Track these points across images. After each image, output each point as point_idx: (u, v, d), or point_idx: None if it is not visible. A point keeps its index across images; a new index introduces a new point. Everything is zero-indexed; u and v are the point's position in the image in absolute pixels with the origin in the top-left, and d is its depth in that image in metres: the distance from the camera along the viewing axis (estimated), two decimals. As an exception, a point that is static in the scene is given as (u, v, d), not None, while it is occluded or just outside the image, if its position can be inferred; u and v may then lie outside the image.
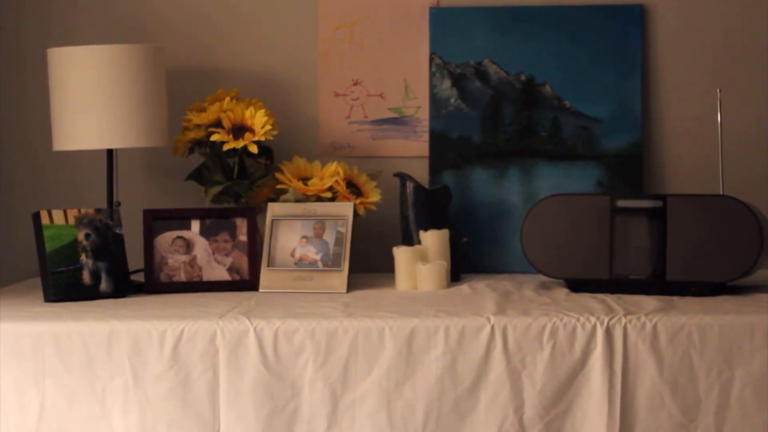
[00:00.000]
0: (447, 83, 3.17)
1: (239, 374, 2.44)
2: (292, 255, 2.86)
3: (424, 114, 3.19)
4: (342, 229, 2.86)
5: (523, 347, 2.43)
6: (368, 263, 3.06)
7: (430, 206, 3.00)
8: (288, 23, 3.21)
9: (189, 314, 2.52)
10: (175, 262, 2.87)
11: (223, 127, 2.95)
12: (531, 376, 2.42)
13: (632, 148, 3.13)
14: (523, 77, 3.16)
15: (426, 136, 3.19)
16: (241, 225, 2.89)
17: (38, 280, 2.80)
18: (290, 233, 2.88)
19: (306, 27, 3.21)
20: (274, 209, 2.91)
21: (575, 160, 3.14)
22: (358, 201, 2.96)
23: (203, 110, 3.00)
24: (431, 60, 3.17)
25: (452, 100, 3.17)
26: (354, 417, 2.43)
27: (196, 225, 2.89)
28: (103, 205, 2.96)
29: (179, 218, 2.89)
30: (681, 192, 3.10)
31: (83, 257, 2.76)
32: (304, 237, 2.87)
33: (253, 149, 2.93)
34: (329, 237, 2.86)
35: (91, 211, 2.81)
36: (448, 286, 2.85)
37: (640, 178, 3.12)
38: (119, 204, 2.94)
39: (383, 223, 3.07)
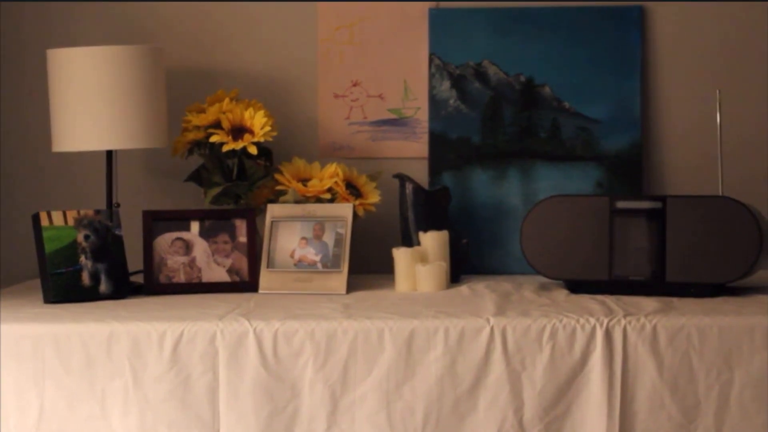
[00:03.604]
0: (446, 84, 3.17)
1: (239, 375, 2.44)
2: (292, 256, 2.86)
3: (423, 115, 3.19)
4: (341, 231, 2.86)
5: (523, 348, 2.43)
6: (368, 264, 3.05)
7: (430, 207, 3.00)
8: (287, 24, 3.21)
9: (188, 315, 2.52)
10: (174, 264, 2.86)
11: (222, 128, 2.95)
12: (530, 378, 2.42)
13: (632, 148, 3.13)
14: (522, 78, 3.16)
15: (425, 137, 3.19)
16: (241, 226, 2.89)
17: (38, 282, 2.80)
18: (290, 234, 2.88)
19: (305, 28, 3.21)
20: (273, 210, 2.91)
21: (575, 161, 3.14)
22: (357, 202, 2.96)
23: (202, 111, 3.00)
24: (431, 61, 3.18)
25: (452, 101, 3.17)
26: (354, 418, 2.43)
27: (195, 226, 2.89)
28: (103, 206, 2.96)
29: (178, 219, 2.89)
30: (680, 193, 3.10)
31: (83, 258, 2.76)
32: (303, 238, 2.87)
33: (253, 150, 2.92)
34: (329, 238, 2.86)
35: (90, 212, 2.81)
36: (448, 287, 2.85)
37: (640, 179, 3.12)
38: (119, 205, 2.94)
39: (383, 224, 3.07)
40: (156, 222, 2.87)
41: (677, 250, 2.67)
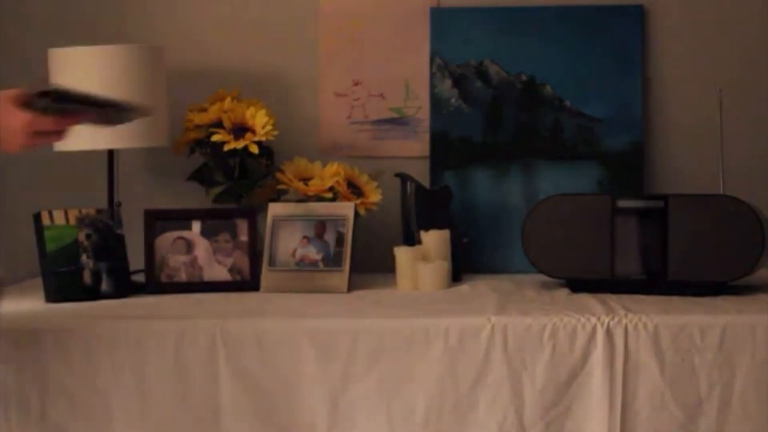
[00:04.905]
0: (448, 83, 3.17)
1: (240, 374, 2.44)
2: (293, 255, 2.86)
3: (424, 114, 3.19)
4: (343, 230, 2.86)
5: (524, 347, 2.43)
6: (369, 263, 3.05)
7: (431, 206, 3.00)
8: (289, 23, 3.21)
9: (190, 315, 2.52)
10: (176, 263, 2.86)
11: (224, 128, 2.95)
12: (531, 377, 2.42)
13: (633, 147, 3.13)
14: (523, 77, 3.16)
15: (427, 137, 3.19)
16: (242, 225, 2.89)
17: (39, 281, 2.79)
18: (291, 233, 2.88)
19: (307, 27, 3.21)
20: (275, 209, 2.91)
21: (576, 160, 3.14)
22: (358, 201, 2.96)
23: (204, 110, 3.00)
24: (432, 60, 3.17)
25: (453, 101, 3.17)
26: (354, 417, 2.43)
27: (197, 225, 2.88)
28: (104, 205, 2.96)
29: (180, 219, 2.89)
30: (681, 191, 3.09)
31: (84, 257, 2.76)
32: (305, 237, 2.87)
33: (254, 149, 2.92)
34: (330, 237, 2.86)
35: (92, 211, 2.81)
36: (449, 286, 2.85)
37: (641, 178, 3.12)
38: (120, 204, 2.95)
39: (384, 223, 3.07)
40: (157, 221, 2.87)
41: (679, 249, 2.66)
